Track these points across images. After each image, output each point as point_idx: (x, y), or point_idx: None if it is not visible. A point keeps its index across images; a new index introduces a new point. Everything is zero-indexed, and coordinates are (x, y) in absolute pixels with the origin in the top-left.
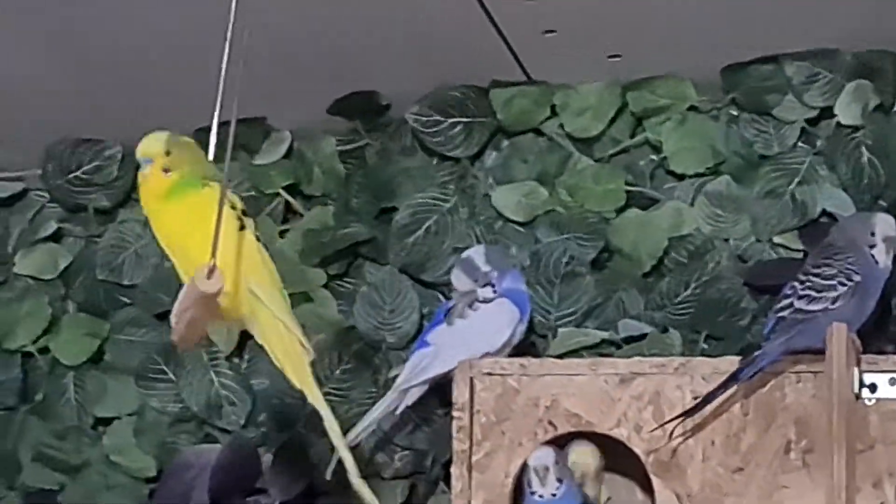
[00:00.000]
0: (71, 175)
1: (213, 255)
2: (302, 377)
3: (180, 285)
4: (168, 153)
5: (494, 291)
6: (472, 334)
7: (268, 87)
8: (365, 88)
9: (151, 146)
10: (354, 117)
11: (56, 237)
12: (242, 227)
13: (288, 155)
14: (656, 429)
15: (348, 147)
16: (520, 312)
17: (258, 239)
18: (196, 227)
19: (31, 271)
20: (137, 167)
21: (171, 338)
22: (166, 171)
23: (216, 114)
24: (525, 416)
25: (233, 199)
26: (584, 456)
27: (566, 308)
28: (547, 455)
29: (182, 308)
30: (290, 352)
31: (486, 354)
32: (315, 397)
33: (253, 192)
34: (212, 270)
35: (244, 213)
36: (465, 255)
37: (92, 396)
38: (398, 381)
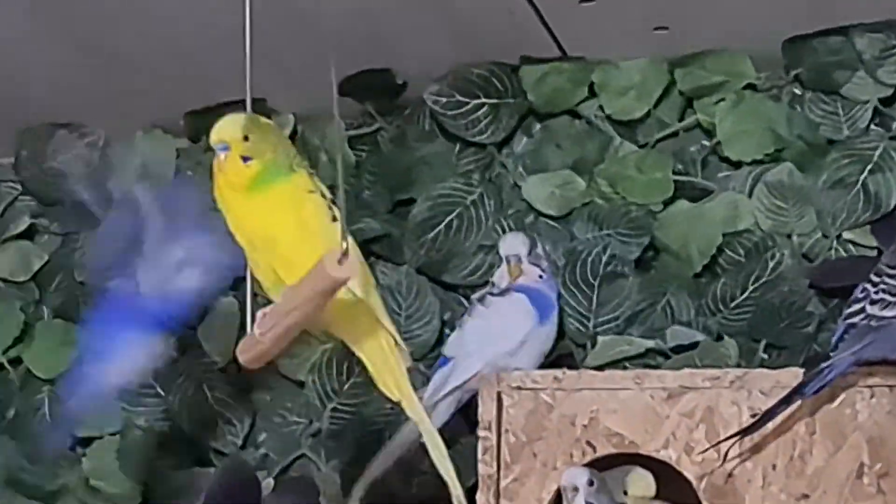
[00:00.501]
0: (46, 164)
1: (344, 238)
2: (403, 387)
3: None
4: (247, 138)
5: (541, 277)
6: (483, 332)
7: (268, 64)
8: (378, 65)
9: (228, 130)
10: (366, 98)
11: (29, 234)
12: (335, 219)
13: (291, 140)
14: (708, 449)
15: (359, 132)
16: (537, 313)
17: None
18: (286, 219)
19: (0, 273)
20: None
21: (240, 357)
22: (246, 158)
23: (248, 87)
24: (560, 435)
25: (322, 188)
26: (641, 488)
27: (606, 314)
28: (578, 475)
29: (286, 308)
30: (389, 358)
31: (511, 366)
32: (415, 410)
33: None
34: (345, 254)
35: (333, 202)
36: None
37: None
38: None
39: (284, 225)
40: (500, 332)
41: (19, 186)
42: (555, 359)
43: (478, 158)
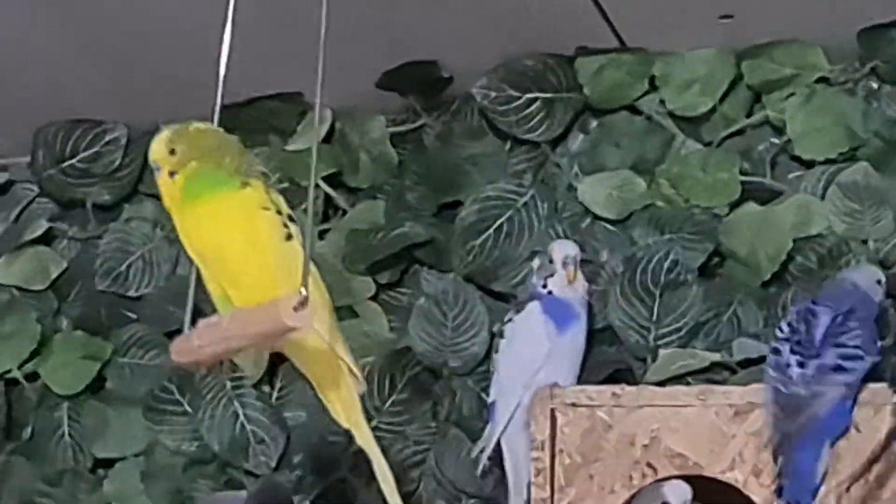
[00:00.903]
0: (65, 164)
1: (304, 282)
2: (351, 413)
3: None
4: (172, 152)
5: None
6: (510, 363)
7: (303, 55)
8: (422, 58)
9: (155, 150)
10: (409, 92)
11: (47, 239)
12: (289, 237)
13: (329, 138)
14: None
15: (402, 128)
16: (554, 322)
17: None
18: (234, 234)
19: (16, 280)
20: (146, 153)
21: (172, 355)
22: (172, 174)
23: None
24: (618, 456)
25: (277, 202)
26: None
27: (668, 324)
28: (687, 492)
29: (228, 334)
30: (338, 382)
31: (543, 384)
32: (365, 437)
33: (285, 184)
34: (303, 302)
35: (291, 218)
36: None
37: (90, 433)
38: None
39: (232, 240)
40: (522, 353)
41: (36, 188)
42: (613, 373)
43: (530, 157)
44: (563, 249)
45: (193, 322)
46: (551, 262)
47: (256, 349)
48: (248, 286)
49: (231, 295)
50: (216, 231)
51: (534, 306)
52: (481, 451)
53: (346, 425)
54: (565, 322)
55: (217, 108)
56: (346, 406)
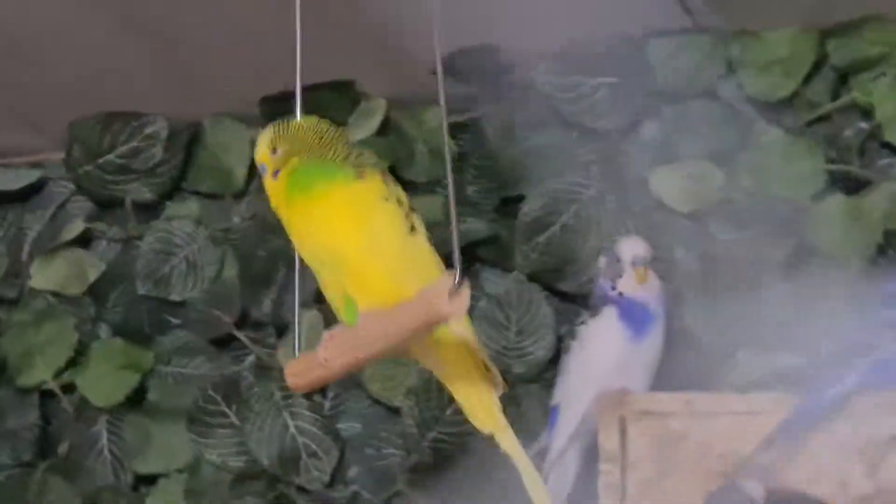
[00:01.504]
0: (102, 159)
1: (458, 263)
2: (493, 418)
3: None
4: (274, 150)
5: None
6: (582, 368)
7: (355, 41)
8: (481, 41)
9: (259, 151)
10: (468, 79)
11: (84, 240)
12: (413, 229)
13: (383, 129)
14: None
15: (460, 118)
16: (630, 328)
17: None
18: (352, 231)
19: (51, 285)
20: (189, 147)
21: (290, 380)
22: (276, 173)
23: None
24: (694, 468)
25: (397, 192)
26: None
27: (748, 326)
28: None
29: (365, 340)
30: (476, 384)
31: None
32: (510, 443)
33: None
34: (460, 285)
35: (412, 209)
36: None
37: (131, 447)
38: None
39: (350, 238)
40: (595, 361)
41: (72, 185)
42: (688, 378)
43: (597, 148)
44: (632, 247)
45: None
46: (619, 261)
47: (391, 355)
48: (375, 286)
49: (357, 298)
50: (333, 228)
51: (610, 312)
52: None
53: (489, 430)
54: (643, 328)
55: (297, 95)
56: (487, 409)
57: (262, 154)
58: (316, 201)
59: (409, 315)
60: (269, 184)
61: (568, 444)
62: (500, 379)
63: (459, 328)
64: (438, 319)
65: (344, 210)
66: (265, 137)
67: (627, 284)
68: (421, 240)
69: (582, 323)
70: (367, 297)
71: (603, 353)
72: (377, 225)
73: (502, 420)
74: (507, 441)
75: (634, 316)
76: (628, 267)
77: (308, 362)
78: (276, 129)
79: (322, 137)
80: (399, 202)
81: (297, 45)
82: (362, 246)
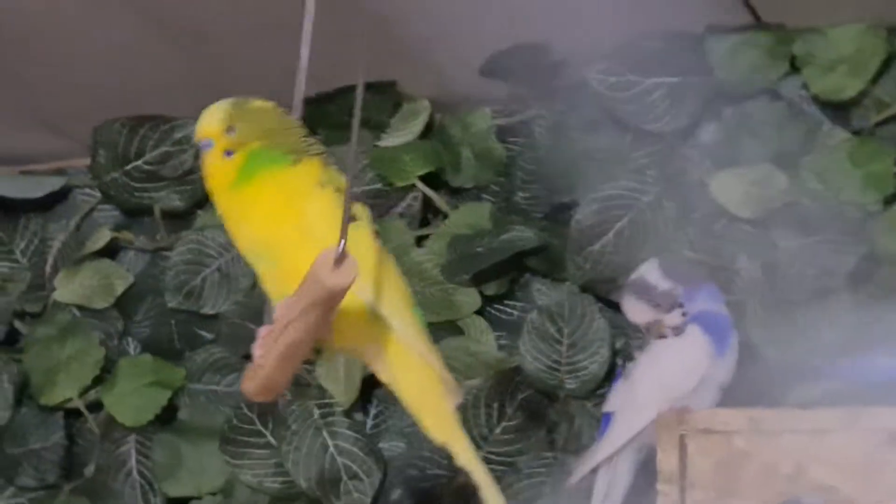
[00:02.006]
0: (130, 166)
1: (343, 236)
2: (445, 427)
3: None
4: (230, 128)
5: (684, 314)
6: (654, 378)
7: (398, 39)
8: (531, 39)
9: (208, 124)
10: (517, 79)
11: (111, 251)
12: (352, 219)
13: (427, 133)
14: None
15: (510, 120)
16: (714, 344)
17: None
18: (285, 220)
19: (76, 298)
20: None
21: (243, 384)
22: (229, 153)
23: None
24: (759, 489)
25: (337, 179)
26: None
27: (814, 339)
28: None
29: (279, 327)
30: (427, 392)
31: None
32: (465, 455)
33: (378, 185)
34: (342, 256)
35: (356, 197)
36: (633, 276)
37: (161, 469)
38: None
39: (283, 227)
40: (673, 375)
41: (98, 193)
42: (751, 394)
43: (654, 151)
44: (634, 318)
45: None
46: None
47: (324, 344)
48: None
49: (290, 292)
50: (263, 215)
51: (693, 328)
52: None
53: (440, 440)
54: (725, 342)
55: (299, 94)
56: (438, 419)
57: (213, 129)
58: (252, 189)
59: (304, 294)
60: (215, 163)
61: (617, 454)
62: (454, 385)
63: (407, 333)
64: (328, 292)
65: (275, 197)
66: (220, 111)
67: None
68: (364, 232)
69: (663, 336)
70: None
71: (685, 369)
72: (309, 212)
73: (457, 430)
74: (463, 453)
75: (717, 329)
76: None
77: (253, 367)
78: (234, 105)
79: (281, 123)
80: (339, 189)
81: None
82: (292, 235)
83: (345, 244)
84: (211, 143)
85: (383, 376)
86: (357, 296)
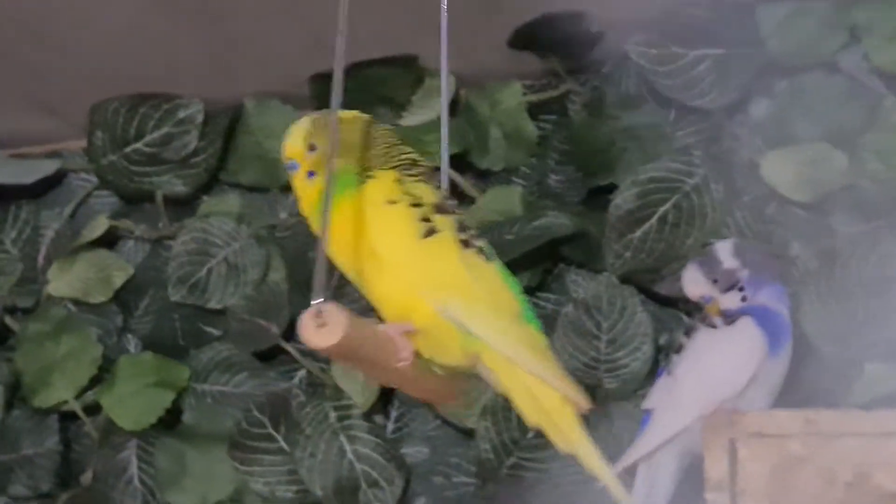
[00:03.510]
0: (129, 148)
1: (318, 289)
2: (568, 438)
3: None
4: (311, 147)
5: (743, 299)
6: (699, 375)
7: (419, 10)
8: (565, 7)
9: (291, 144)
10: (550, 52)
11: (108, 240)
12: (431, 232)
13: (451, 110)
14: None
15: (542, 97)
16: (768, 341)
17: (468, 244)
18: (357, 241)
19: (72, 291)
20: (228, 133)
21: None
22: (311, 173)
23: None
24: (816, 497)
25: (414, 192)
26: None
27: (877, 333)
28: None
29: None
30: (541, 407)
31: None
32: (591, 462)
33: None
34: (321, 313)
35: (441, 209)
36: (707, 248)
37: (164, 476)
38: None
39: (357, 253)
40: (720, 371)
41: (94, 178)
42: (807, 394)
43: (700, 128)
44: (689, 290)
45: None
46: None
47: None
48: (386, 299)
49: (381, 314)
50: (339, 241)
51: (746, 321)
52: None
53: (567, 449)
54: (780, 341)
55: (338, 81)
56: (559, 432)
57: (296, 149)
58: (335, 211)
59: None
60: (301, 186)
61: (657, 455)
62: (577, 393)
63: (506, 350)
64: (327, 353)
65: (345, 222)
66: (301, 130)
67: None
68: (445, 243)
69: (711, 325)
70: (385, 311)
71: (735, 366)
72: (373, 234)
73: (582, 438)
74: (587, 460)
75: (774, 325)
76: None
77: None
78: (316, 122)
79: (364, 135)
80: (418, 204)
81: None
82: (366, 261)
83: (320, 300)
84: (296, 165)
85: (501, 393)
86: (441, 316)
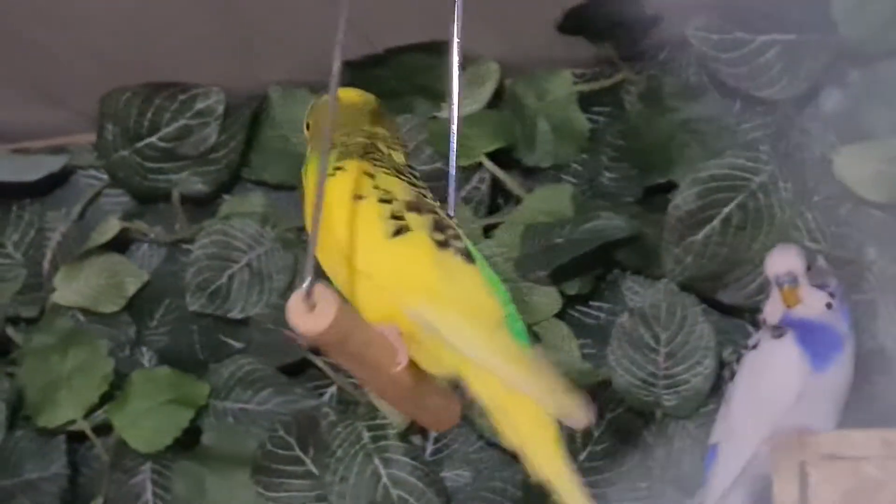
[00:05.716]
0: (143, 143)
1: (308, 270)
2: (545, 462)
3: None
4: (307, 127)
5: (829, 306)
6: (751, 401)
7: None
8: None
9: (310, 117)
10: (603, 38)
11: (120, 243)
12: (400, 231)
13: (495, 102)
14: None
15: (594, 86)
16: (810, 357)
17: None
18: (330, 237)
19: (80, 300)
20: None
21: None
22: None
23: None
24: None
25: (386, 185)
26: None
27: None
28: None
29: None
30: (522, 423)
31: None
32: (569, 492)
33: (437, 164)
34: (312, 295)
35: (413, 207)
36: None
37: (182, 501)
38: None
39: (324, 250)
40: (765, 394)
41: (104, 175)
42: (885, 412)
43: (767, 122)
44: (775, 264)
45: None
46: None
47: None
48: (364, 304)
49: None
50: (323, 238)
51: (789, 337)
52: None
53: (540, 474)
54: (827, 355)
55: (336, 62)
56: (537, 453)
57: (306, 130)
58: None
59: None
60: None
61: (729, 492)
62: (573, 407)
63: (484, 360)
64: (318, 343)
65: (326, 212)
66: (309, 110)
67: (775, 310)
68: (410, 243)
69: (753, 347)
70: (365, 317)
71: (778, 385)
72: (340, 231)
73: (561, 465)
74: (565, 494)
75: (817, 340)
76: (774, 287)
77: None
78: (315, 102)
79: (351, 118)
80: (389, 199)
81: None
82: (332, 254)
83: (311, 281)
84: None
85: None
86: (412, 321)
